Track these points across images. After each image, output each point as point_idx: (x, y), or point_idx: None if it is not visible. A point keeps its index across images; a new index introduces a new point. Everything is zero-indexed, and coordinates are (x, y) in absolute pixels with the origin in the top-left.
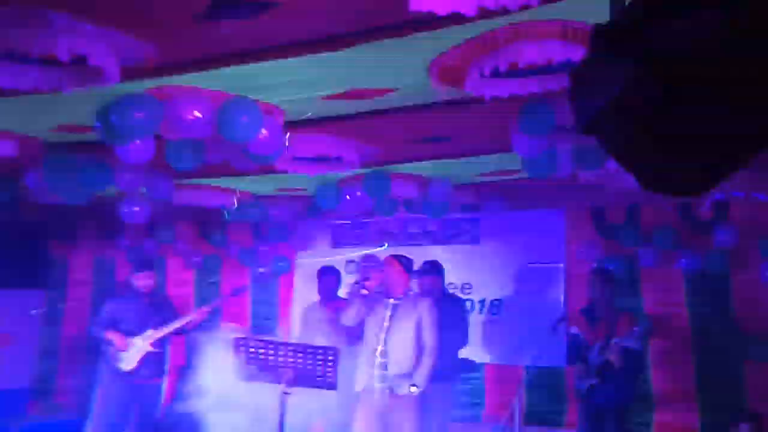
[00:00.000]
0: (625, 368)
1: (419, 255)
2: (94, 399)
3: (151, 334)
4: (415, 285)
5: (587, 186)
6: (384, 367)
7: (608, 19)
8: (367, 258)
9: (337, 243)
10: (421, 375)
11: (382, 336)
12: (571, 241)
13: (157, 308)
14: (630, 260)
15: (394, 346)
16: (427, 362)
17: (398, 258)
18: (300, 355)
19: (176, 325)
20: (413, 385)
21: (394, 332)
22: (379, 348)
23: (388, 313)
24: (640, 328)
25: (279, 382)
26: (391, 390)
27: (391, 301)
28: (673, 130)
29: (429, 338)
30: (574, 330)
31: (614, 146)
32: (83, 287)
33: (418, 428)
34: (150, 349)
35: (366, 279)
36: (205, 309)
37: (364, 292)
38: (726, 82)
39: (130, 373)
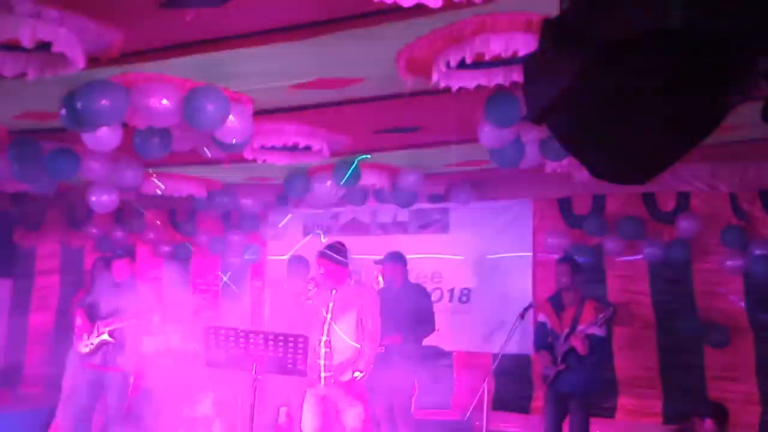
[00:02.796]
0: (590, 355)
1: (389, 244)
2: (62, 387)
3: (112, 322)
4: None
5: (554, 176)
6: (329, 356)
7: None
8: (296, 260)
9: (308, 231)
10: (364, 361)
11: (326, 327)
12: (539, 231)
13: (129, 298)
14: (595, 249)
15: (337, 335)
16: (369, 348)
17: (324, 253)
18: (270, 342)
19: (132, 320)
20: (357, 371)
21: (337, 322)
22: (323, 338)
23: (331, 304)
24: (604, 316)
25: (249, 370)
26: (336, 378)
27: (333, 292)
28: (619, 121)
29: (370, 324)
30: (541, 318)
31: (564, 136)
32: (51, 276)
33: (364, 414)
34: (106, 337)
35: (312, 281)
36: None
37: (311, 289)
38: (671, 77)
39: (93, 360)
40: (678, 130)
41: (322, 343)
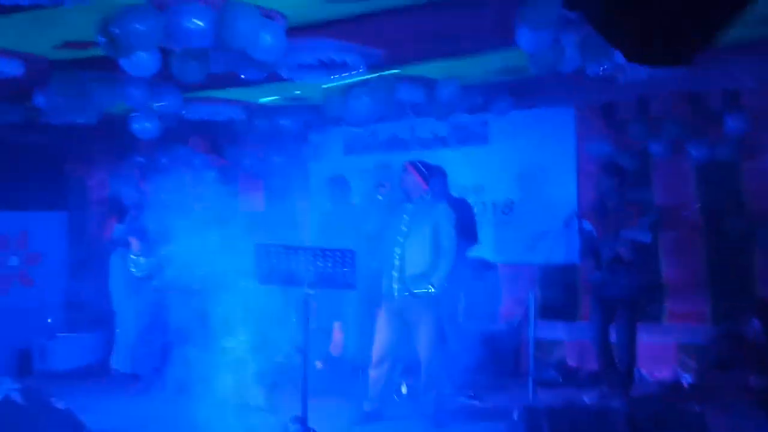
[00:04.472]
0: (634, 260)
1: (430, 159)
2: (116, 311)
3: (165, 244)
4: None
5: (595, 80)
6: (402, 269)
7: None
8: (381, 165)
9: (349, 150)
10: (438, 276)
11: (401, 239)
12: (582, 138)
13: (175, 221)
14: (641, 153)
15: (411, 248)
16: (444, 264)
17: (415, 164)
18: (319, 257)
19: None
20: (430, 284)
21: (412, 235)
22: (398, 251)
23: (406, 218)
24: (647, 219)
25: (300, 285)
26: (409, 291)
27: (409, 206)
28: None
29: (446, 241)
30: (586, 225)
31: (597, 19)
32: (103, 205)
33: (437, 326)
34: (162, 259)
35: (381, 185)
36: None
37: (379, 198)
38: None
39: (152, 282)
40: (714, 8)
41: (397, 256)
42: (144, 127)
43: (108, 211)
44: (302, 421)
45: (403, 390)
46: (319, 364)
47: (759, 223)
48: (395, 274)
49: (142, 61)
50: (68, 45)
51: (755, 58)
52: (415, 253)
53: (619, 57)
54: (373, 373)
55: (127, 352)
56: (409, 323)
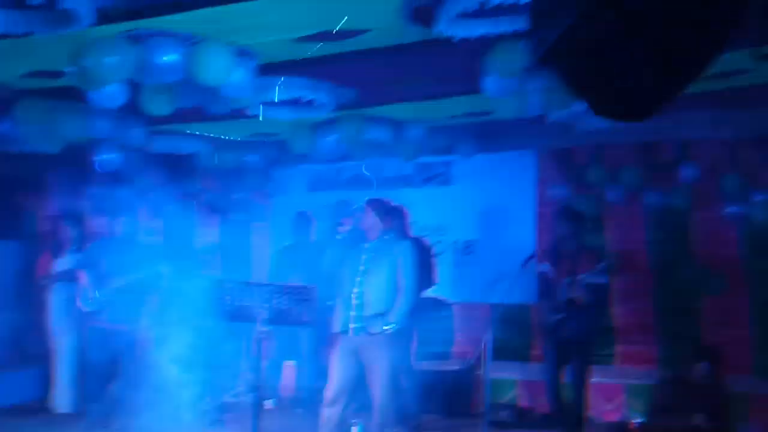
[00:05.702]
0: (590, 303)
1: (394, 198)
2: (57, 348)
3: (116, 281)
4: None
5: (556, 127)
6: (360, 308)
7: None
8: (341, 203)
9: (313, 187)
10: (396, 314)
11: (358, 278)
12: (542, 182)
13: (128, 255)
14: (596, 199)
15: (370, 287)
16: (403, 303)
17: (372, 203)
18: (276, 294)
19: (135, 276)
20: (388, 324)
21: (371, 274)
22: (356, 289)
23: (365, 256)
24: (604, 264)
25: (255, 322)
26: (366, 330)
27: (367, 244)
28: (618, 59)
29: (406, 279)
30: (543, 267)
31: (568, 74)
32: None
33: (392, 366)
34: (112, 294)
35: (340, 224)
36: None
37: (338, 236)
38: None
39: (99, 318)
40: (674, 68)
41: (354, 294)
42: (106, 158)
43: (45, 246)
44: None
45: (355, 431)
46: (269, 404)
47: (707, 270)
48: (352, 312)
49: (110, 93)
50: (36, 74)
51: (707, 111)
52: (373, 291)
53: (578, 106)
54: (326, 412)
55: (69, 392)
56: (365, 362)
